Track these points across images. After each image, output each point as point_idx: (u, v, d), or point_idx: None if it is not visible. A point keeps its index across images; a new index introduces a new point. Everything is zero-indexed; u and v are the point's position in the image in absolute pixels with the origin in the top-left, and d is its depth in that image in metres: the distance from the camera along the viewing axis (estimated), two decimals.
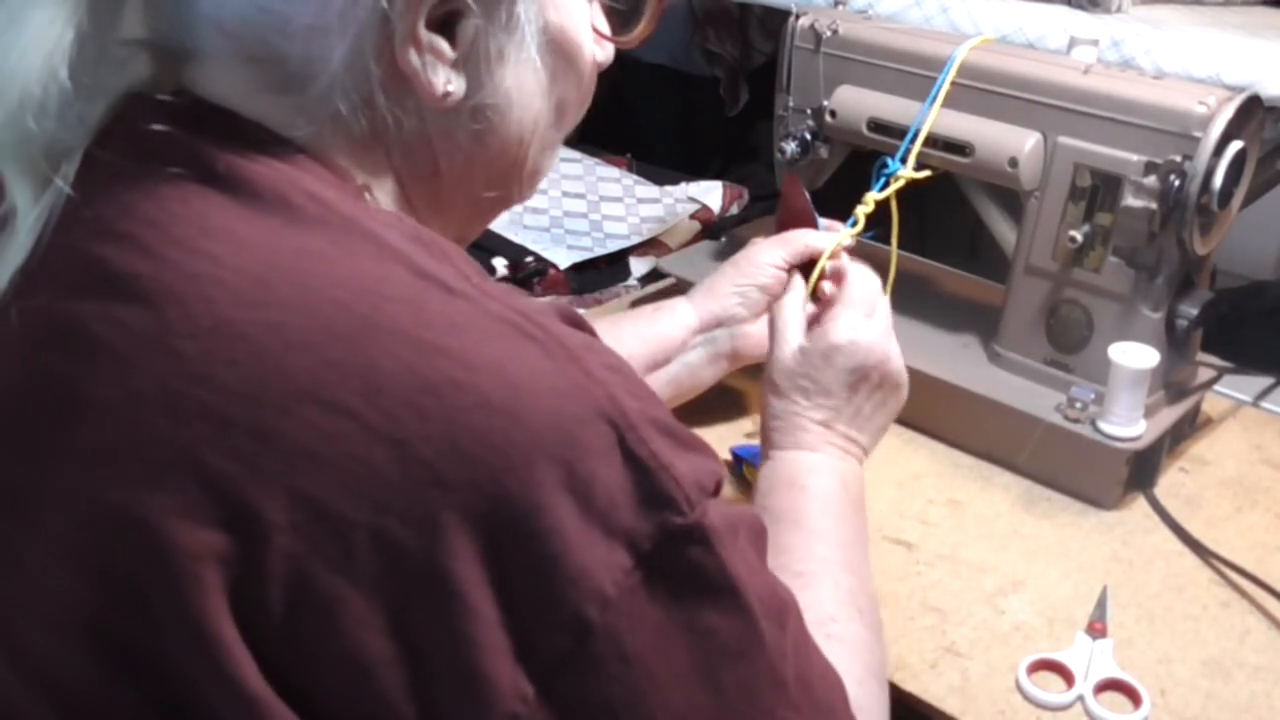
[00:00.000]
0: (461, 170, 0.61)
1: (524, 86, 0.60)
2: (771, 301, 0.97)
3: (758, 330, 0.98)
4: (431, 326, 0.49)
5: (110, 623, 0.49)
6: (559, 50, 0.61)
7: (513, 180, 0.64)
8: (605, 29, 0.65)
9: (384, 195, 0.60)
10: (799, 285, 0.91)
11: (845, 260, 0.91)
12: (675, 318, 0.99)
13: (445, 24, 0.56)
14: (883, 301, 0.88)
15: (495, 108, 0.59)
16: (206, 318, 0.50)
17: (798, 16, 1.11)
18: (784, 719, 0.54)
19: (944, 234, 1.53)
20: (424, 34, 0.55)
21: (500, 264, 1.32)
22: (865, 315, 0.85)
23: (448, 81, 0.57)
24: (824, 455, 0.81)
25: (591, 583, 0.48)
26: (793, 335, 0.85)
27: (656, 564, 0.50)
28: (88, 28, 0.56)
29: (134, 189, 0.54)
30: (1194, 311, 0.98)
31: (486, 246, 1.34)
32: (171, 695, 0.49)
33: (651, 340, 0.97)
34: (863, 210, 1.00)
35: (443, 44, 0.56)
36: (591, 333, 0.54)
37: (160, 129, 0.54)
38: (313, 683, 0.49)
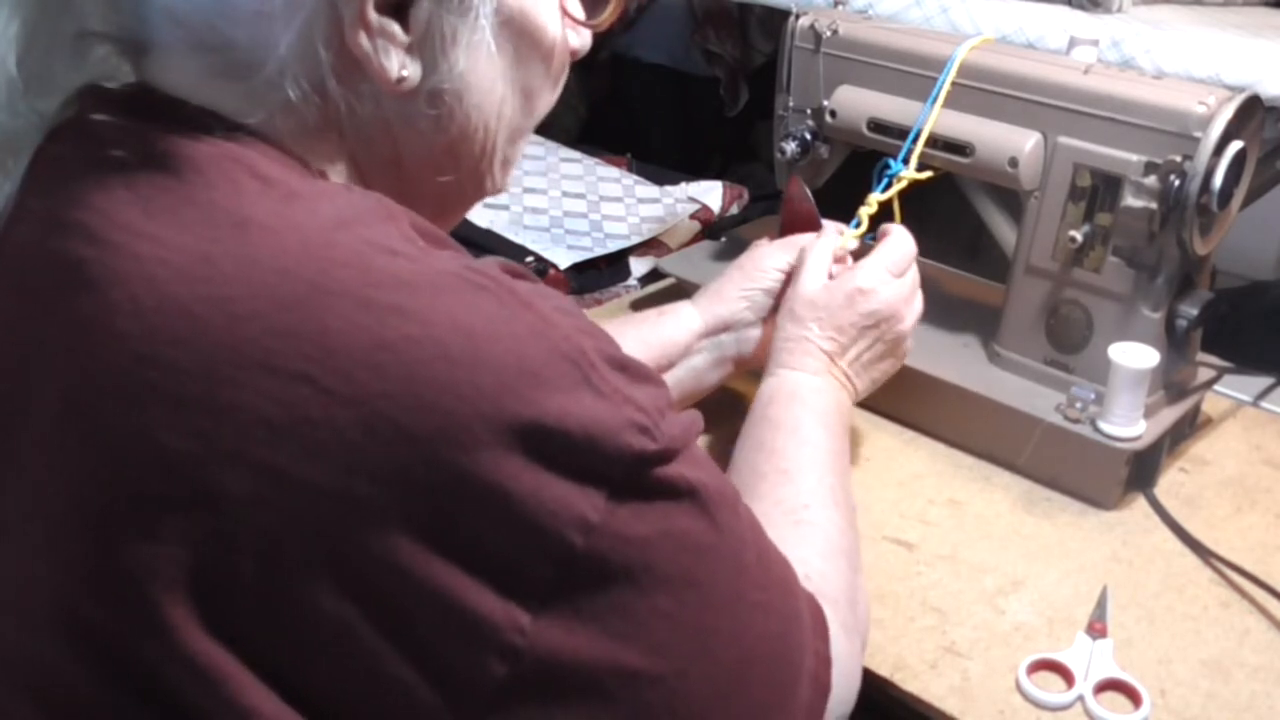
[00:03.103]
0: (423, 158, 0.61)
1: (482, 71, 0.59)
2: (777, 305, 0.98)
3: (763, 333, 0.98)
4: (380, 286, 0.50)
5: (80, 612, 0.50)
6: (519, 34, 0.60)
7: (483, 169, 0.64)
8: (579, 14, 0.65)
9: (341, 180, 0.59)
10: (831, 230, 0.99)
11: (884, 222, 0.98)
12: (679, 322, 0.99)
13: (400, 8, 0.55)
14: (913, 270, 0.95)
15: (453, 93, 0.59)
16: (149, 297, 0.50)
17: (798, 16, 1.11)
18: (753, 599, 0.57)
19: (944, 234, 1.53)
20: (374, 18, 0.54)
21: None
22: (892, 273, 0.93)
23: (402, 66, 0.56)
24: (824, 379, 0.89)
25: (573, 512, 0.49)
26: (818, 273, 0.94)
27: (632, 488, 0.51)
28: (36, 16, 0.56)
29: (83, 179, 0.54)
30: (1194, 311, 0.98)
31: (486, 246, 1.34)
32: (144, 682, 0.49)
33: (654, 345, 0.97)
34: (866, 211, 1.00)
35: (395, 28, 0.55)
36: (536, 284, 0.55)
37: (109, 117, 0.55)
38: (302, 654, 0.49)
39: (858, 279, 0.92)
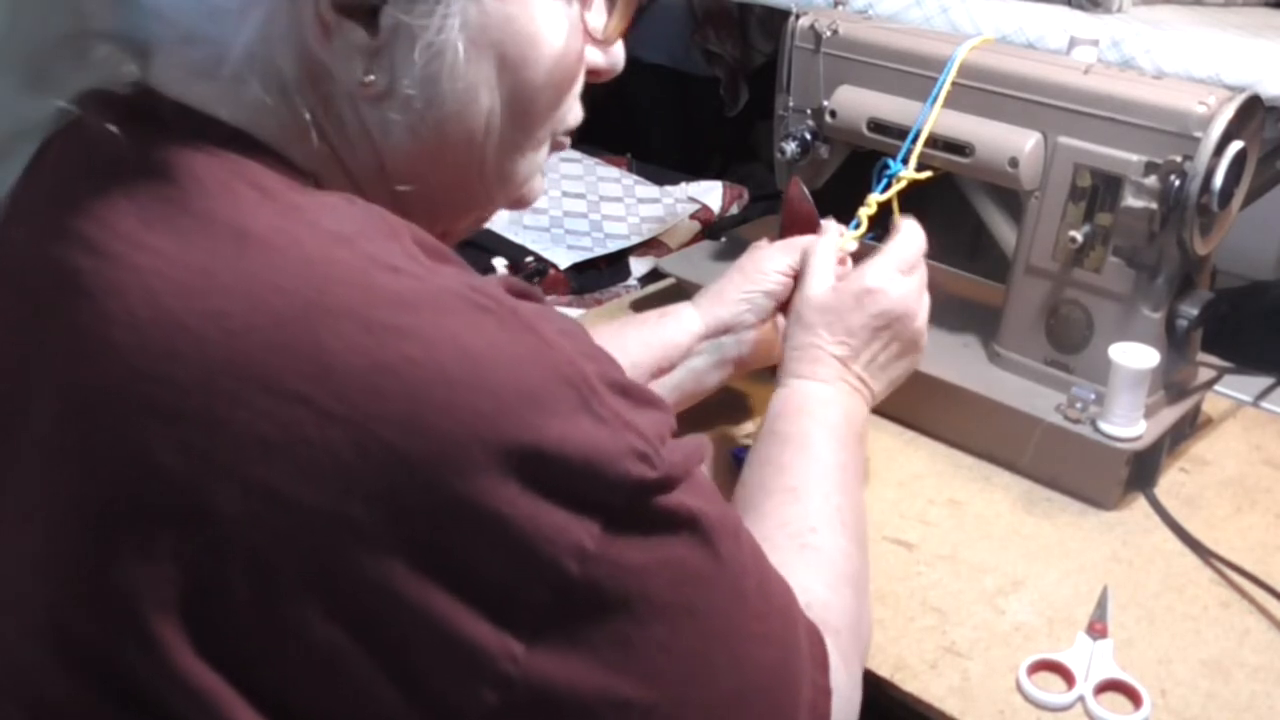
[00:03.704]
0: (406, 168, 0.59)
1: (448, 76, 0.57)
2: (779, 308, 0.98)
3: (764, 335, 0.99)
4: (380, 306, 0.49)
5: (72, 626, 0.49)
6: (502, 42, 0.58)
7: (473, 182, 0.62)
8: (599, 31, 0.63)
9: (335, 187, 0.58)
10: (834, 230, 0.98)
11: (898, 216, 0.97)
12: (680, 324, 0.99)
13: (370, 12, 0.54)
14: (922, 266, 0.94)
15: (423, 99, 0.57)
16: (146, 310, 0.49)
17: (798, 16, 1.11)
18: (752, 628, 0.57)
19: (944, 234, 1.53)
20: (332, 19, 0.54)
21: (500, 264, 1.32)
22: (901, 270, 0.91)
23: (366, 71, 0.55)
24: (835, 389, 0.87)
25: (569, 540, 0.49)
26: (824, 275, 0.92)
27: (631, 516, 0.51)
28: (23, 11, 0.56)
29: (84, 185, 0.54)
30: (1194, 311, 0.98)
31: (486, 246, 1.34)
32: (134, 698, 0.49)
33: (655, 347, 0.97)
34: (865, 212, 1.00)
35: (357, 31, 0.54)
36: (541, 302, 0.54)
37: (111, 122, 0.54)
38: (292, 676, 0.49)
39: (866, 279, 0.90)
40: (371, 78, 0.55)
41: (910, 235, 0.94)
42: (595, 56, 0.64)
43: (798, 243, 1.00)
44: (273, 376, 0.48)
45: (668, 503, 0.52)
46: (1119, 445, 0.95)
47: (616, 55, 0.65)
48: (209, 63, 0.55)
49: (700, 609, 0.54)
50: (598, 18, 0.63)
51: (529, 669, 0.49)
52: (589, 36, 0.62)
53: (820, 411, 0.85)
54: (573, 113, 0.65)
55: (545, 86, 0.61)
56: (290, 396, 0.47)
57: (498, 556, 0.48)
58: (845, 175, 1.14)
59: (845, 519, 0.77)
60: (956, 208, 1.49)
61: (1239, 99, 0.92)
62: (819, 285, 0.92)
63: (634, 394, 0.52)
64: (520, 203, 0.67)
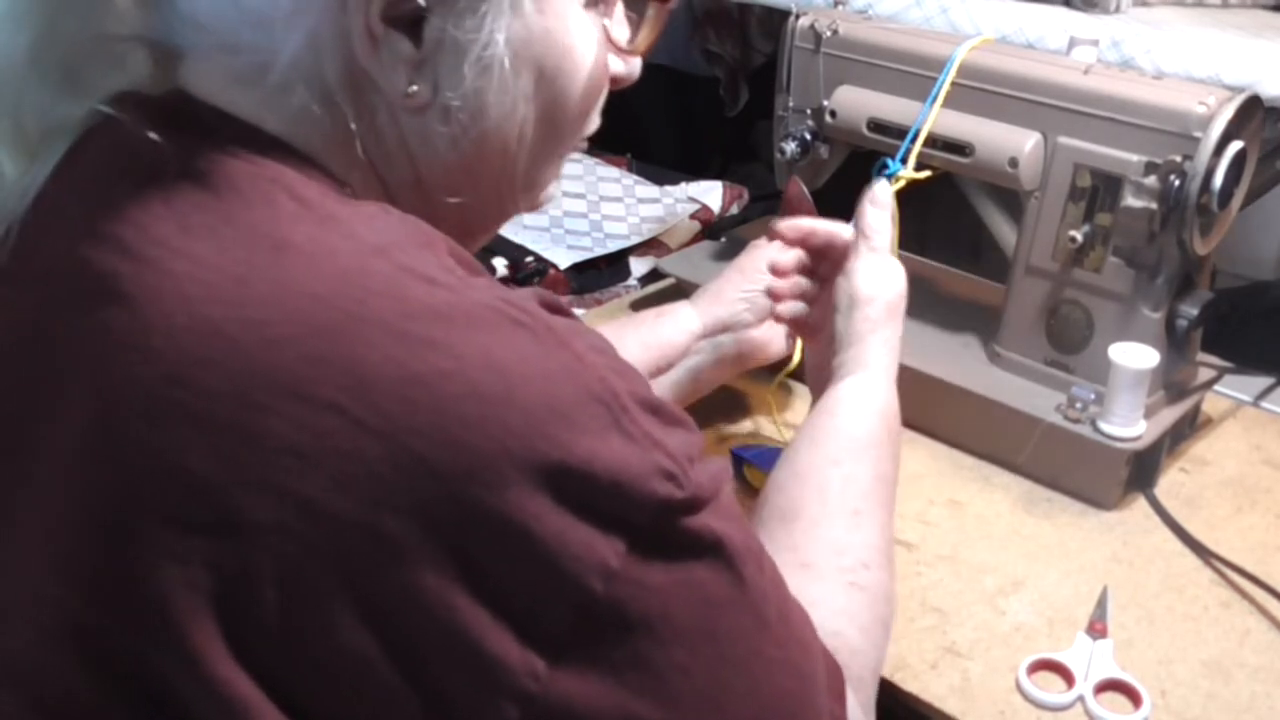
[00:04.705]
0: (440, 177, 0.60)
1: (496, 89, 0.57)
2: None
3: (762, 334, 0.99)
4: (415, 318, 0.49)
5: (95, 629, 0.49)
6: (542, 55, 0.59)
7: (503, 192, 0.63)
8: (624, 40, 0.63)
9: (369, 196, 0.58)
10: (887, 192, 0.92)
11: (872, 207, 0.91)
12: (678, 323, 0.99)
13: (414, 23, 0.55)
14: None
15: (466, 111, 0.57)
16: (182, 316, 0.49)
17: (798, 16, 1.11)
18: (771, 656, 0.56)
19: (944, 234, 1.53)
20: (380, 30, 0.54)
21: (500, 264, 1.32)
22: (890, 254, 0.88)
23: (410, 82, 0.56)
24: (894, 395, 0.84)
25: (595, 558, 0.48)
26: (883, 245, 0.88)
27: (656, 536, 0.50)
28: (60, 12, 0.56)
29: (119, 189, 0.54)
30: (1194, 311, 0.98)
31: (487, 246, 1.33)
32: (157, 702, 0.48)
33: (654, 347, 0.97)
34: None
35: (403, 43, 0.55)
36: (572, 317, 0.54)
37: (147, 126, 0.54)
38: (316, 684, 0.48)
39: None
40: (415, 88, 0.56)
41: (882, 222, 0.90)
42: (615, 65, 0.64)
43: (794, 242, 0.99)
44: (307, 386, 0.47)
45: (693, 524, 0.52)
46: (1119, 445, 0.95)
47: (634, 63, 0.66)
48: (252, 71, 0.55)
49: (721, 633, 0.53)
50: (619, 29, 0.64)
51: (550, 687, 0.49)
52: (613, 46, 0.63)
53: (892, 422, 0.82)
54: (593, 122, 0.66)
55: (578, 97, 0.61)
56: (324, 406, 0.47)
57: (524, 571, 0.48)
58: (845, 175, 1.14)
59: (891, 553, 0.76)
60: (956, 208, 1.49)
61: (1239, 99, 0.92)
62: (897, 267, 0.88)
63: (664, 413, 0.52)
64: (535, 207, 0.67)
